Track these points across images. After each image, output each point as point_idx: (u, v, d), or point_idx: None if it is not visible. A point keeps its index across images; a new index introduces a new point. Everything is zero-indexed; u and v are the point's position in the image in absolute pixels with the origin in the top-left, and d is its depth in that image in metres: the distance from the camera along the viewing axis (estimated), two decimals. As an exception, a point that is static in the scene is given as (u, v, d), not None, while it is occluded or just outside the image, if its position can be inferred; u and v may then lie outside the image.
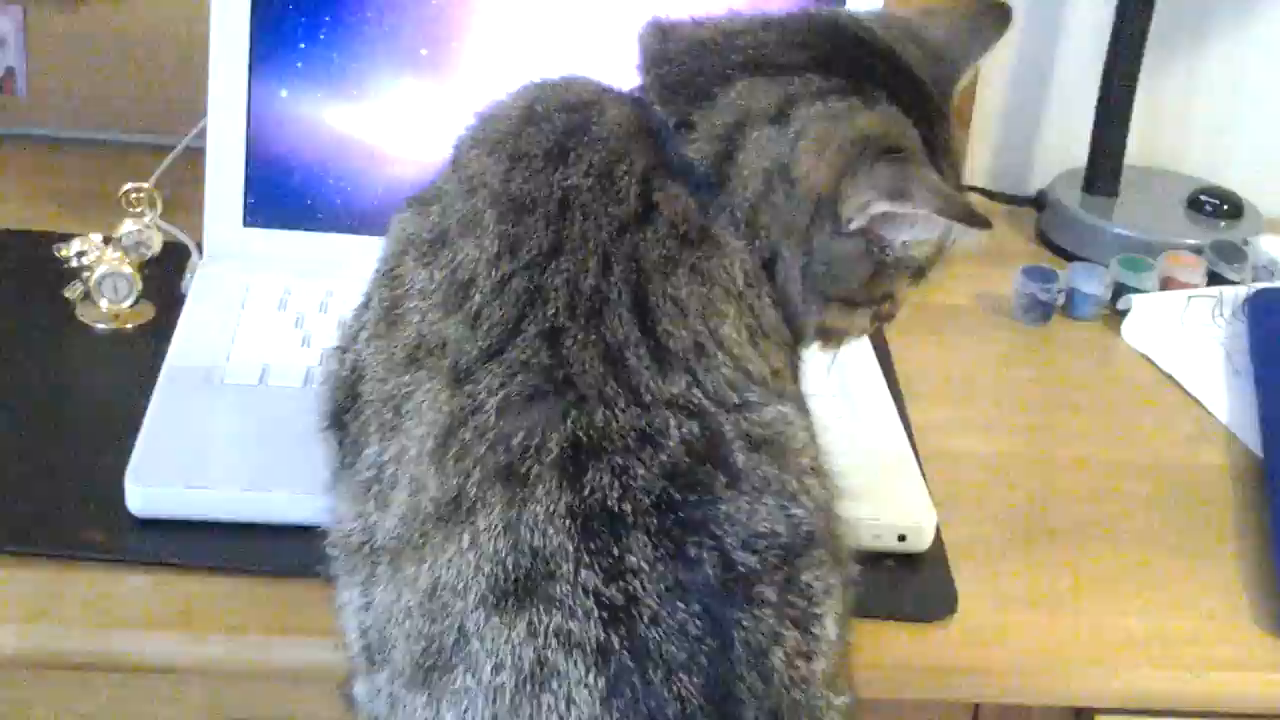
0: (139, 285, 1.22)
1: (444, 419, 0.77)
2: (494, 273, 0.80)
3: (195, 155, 1.27)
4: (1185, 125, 1.61)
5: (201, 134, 1.26)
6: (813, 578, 0.76)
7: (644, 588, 0.73)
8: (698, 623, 0.73)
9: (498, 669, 0.73)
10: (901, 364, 1.26)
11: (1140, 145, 1.56)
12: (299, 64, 1.24)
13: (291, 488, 1.02)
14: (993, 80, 1.57)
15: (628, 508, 0.74)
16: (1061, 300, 1.37)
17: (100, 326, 1.22)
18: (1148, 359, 1.33)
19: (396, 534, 0.78)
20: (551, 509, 0.74)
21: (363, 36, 1.24)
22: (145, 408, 1.08)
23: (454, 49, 1.25)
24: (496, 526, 0.74)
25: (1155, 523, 1.14)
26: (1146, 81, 1.50)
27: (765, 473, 0.77)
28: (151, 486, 1.01)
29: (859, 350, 1.22)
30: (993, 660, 1.01)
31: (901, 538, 1.04)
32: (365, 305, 0.88)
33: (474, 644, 0.73)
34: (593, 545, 0.73)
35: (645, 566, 0.73)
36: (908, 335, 1.30)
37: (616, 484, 0.74)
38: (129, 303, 1.22)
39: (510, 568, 0.73)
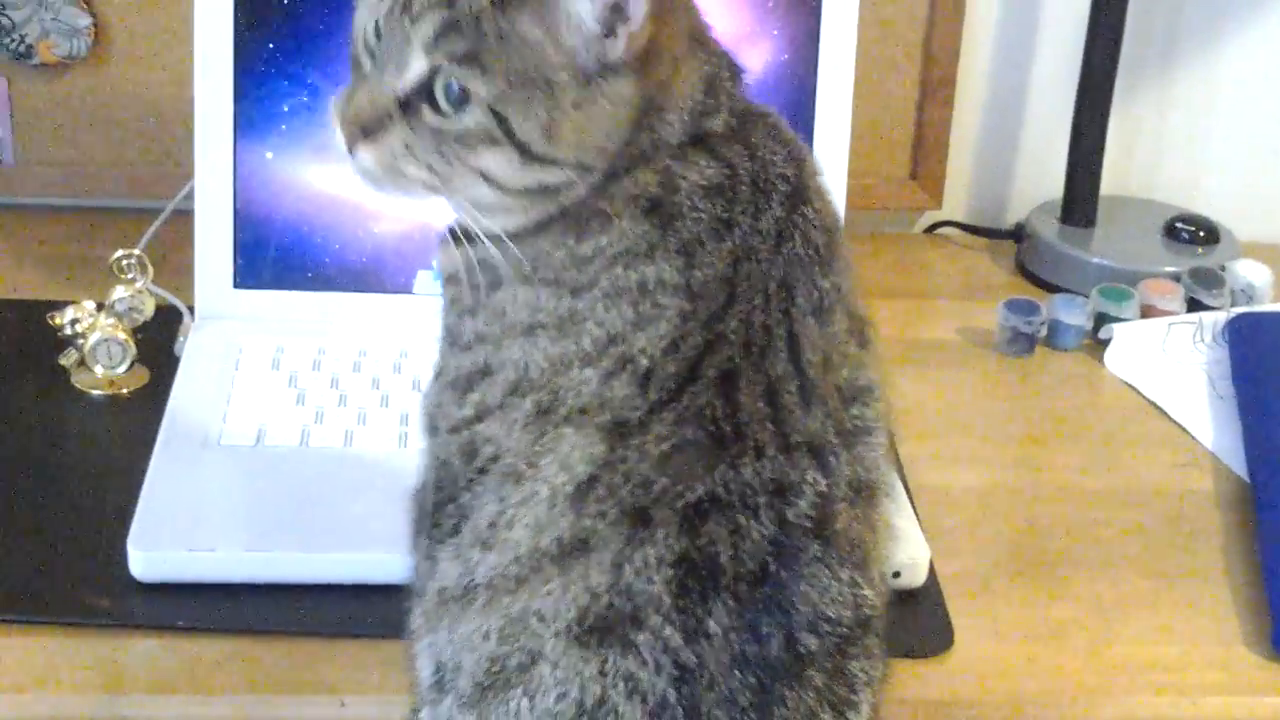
0: (133, 350, 1.24)
1: (593, 468, 0.79)
2: (662, 341, 0.81)
3: (184, 218, 1.29)
4: (1159, 153, 1.64)
5: (189, 197, 1.27)
6: (860, 668, 0.80)
7: (714, 654, 0.76)
8: (748, 694, 0.77)
9: (561, 697, 0.76)
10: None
11: (1115, 175, 1.58)
12: (283, 126, 1.25)
13: (293, 547, 1.03)
14: (967, 115, 1.59)
15: (730, 569, 0.77)
16: (1044, 332, 1.39)
17: (96, 393, 1.23)
18: (1131, 387, 1.34)
19: (503, 570, 0.79)
20: (662, 556, 0.77)
21: (346, 97, 1.25)
22: (144, 472, 1.09)
23: (436, 106, 1.26)
24: (607, 563, 0.77)
25: (1145, 550, 1.15)
26: (1119, 111, 1.52)
27: (854, 536, 0.81)
28: (153, 550, 1.03)
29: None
30: (991, 693, 1.02)
31: (896, 574, 1.05)
32: (469, 386, 0.86)
33: (543, 669, 0.77)
34: (683, 603, 0.76)
35: (720, 634, 0.77)
36: (894, 371, 1.31)
37: (730, 541, 0.77)
38: (124, 368, 1.23)
39: (604, 604, 0.77)
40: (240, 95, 1.25)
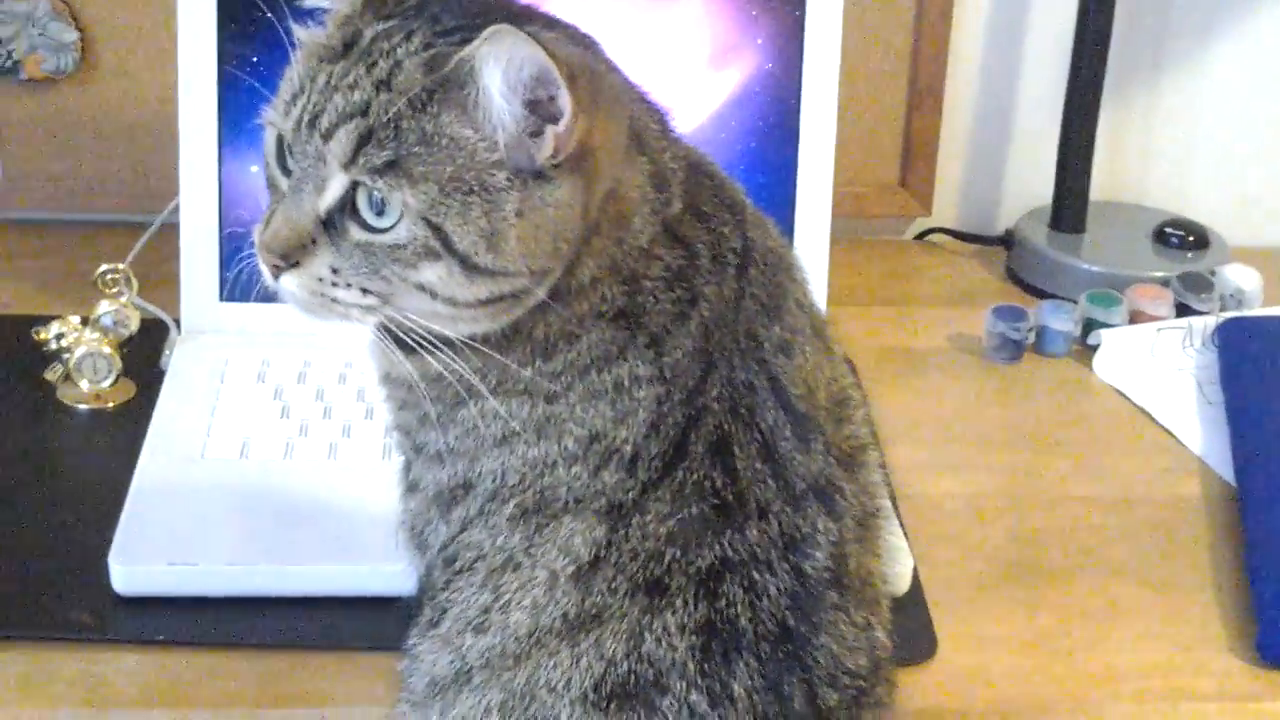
0: (119, 364, 1.24)
1: (595, 549, 0.78)
2: (642, 428, 0.79)
3: (170, 232, 1.29)
4: (1148, 159, 1.63)
5: (175, 212, 1.27)
6: (871, 718, 0.81)
7: (738, 717, 0.76)
8: None
9: None
10: (875, 407, 1.26)
11: (1104, 181, 1.58)
12: (268, 139, 1.25)
13: (275, 560, 1.03)
14: (956, 122, 1.59)
15: (750, 628, 0.77)
16: (1032, 338, 1.38)
17: (82, 406, 1.23)
18: (1120, 393, 1.34)
19: (500, 649, 0.78)
20: (684, 623, 0.76)
21: (330, 109, 1.25)
22: (128, 485, 1.09)
23: (421, 117, 1.26)
24: (624, 632, 0.76)
25: (1132, 556, 1.15)
26: (1107, 117, 1.52)
27: (864, 573, 0.82)
28: (135, 565, 1.03)
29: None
30: (974, 701, 1.02)
31: (880, 583, 1.05)
32: (453, 501, 0.84)
33: None
34: (708, 667, 0.76)
35: (745, 696, 0.77)
36: (881, 378, 1.32)
37: (748, 601, 0.77)
38: (109, 382, 1.23)
39: (623, 671, 0.76)
40: (224, 110, 1.25)
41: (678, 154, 0.85)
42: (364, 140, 0.75)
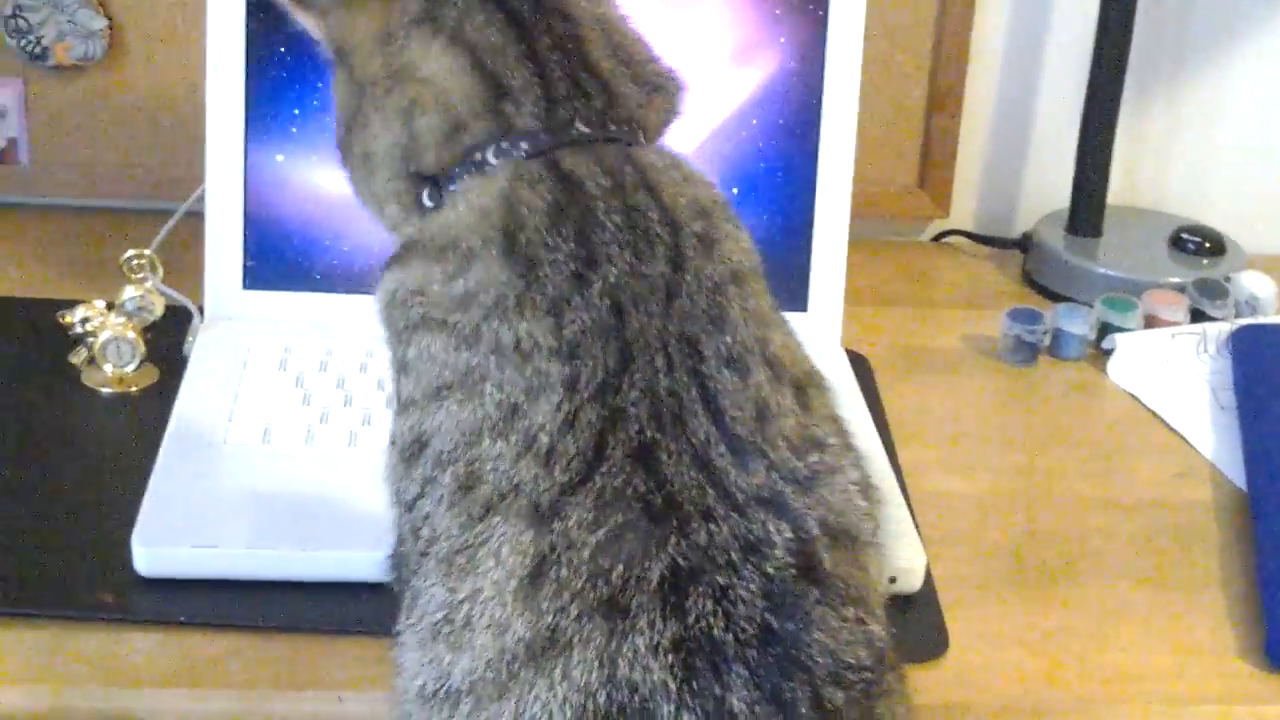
0: (142, 349, 1.25)
1: (530, 560, 0.74)
2: (557, 415, 0.76)
3: (195, 220, 1.30)
4: (1166, 164, 1.64)
5: (200, 199, 1.29)
6: (885, 708, 0.77)
7: None
8: None
9: None
10: (890, 406, 1.28)
11: (1122, 185, 1.59)
12: (294, 129, 1.27)
13: (295, 544, 1.04)
14: (975, 125, 1.60)
15: (729, 638, 0.72)
16: (1047, 341, 1.39)
17: (105, 390, 1.24)
18: (1134, 397, 1.35)
19: (480, 675, 0.75)
20: (656, 642, 0.72)
21: (356, 101, 1.27)
22: (151, 469, 1.10)
23: (445, 110, 1.27)
24: (592, 660, 0.72)
25: (1143, 559, 1.16)
26: (1126, 121, 1.52)
27: (845, 574, 0.77)
28: (158, 546, 1.04)
29: (848, 394, 1.24)
30: (985, 699, 1.02)
31: (892, 579, 1.05)
32: (412, 457, 0.82)
33: None
34: (695, 685, 0.72)
35: (745, 709, 0.72)
36: (896, 378, 1.33)
37: (720, 610, 0.73)
38: (132, 367, 1.25)
39: (603, 701, 0.72)
40: (251, 99, 1.26)
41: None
42: None
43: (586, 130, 0.84)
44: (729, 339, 0.79)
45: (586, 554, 0.74)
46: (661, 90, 0.88)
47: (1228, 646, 1.07)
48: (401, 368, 0.84)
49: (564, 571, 0.74)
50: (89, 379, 1.25)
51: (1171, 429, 1.31)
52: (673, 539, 0.74)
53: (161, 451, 1.12)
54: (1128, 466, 1.27)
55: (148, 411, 1.20)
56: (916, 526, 1.11)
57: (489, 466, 0.77)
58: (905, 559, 1.07)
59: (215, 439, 1.15)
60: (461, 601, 0.76)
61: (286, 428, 1.16)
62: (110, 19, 1.47)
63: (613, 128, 0.85)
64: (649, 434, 0.76)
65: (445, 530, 0.79)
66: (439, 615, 0.77)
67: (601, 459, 0.76)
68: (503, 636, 0.74)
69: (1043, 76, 1.60)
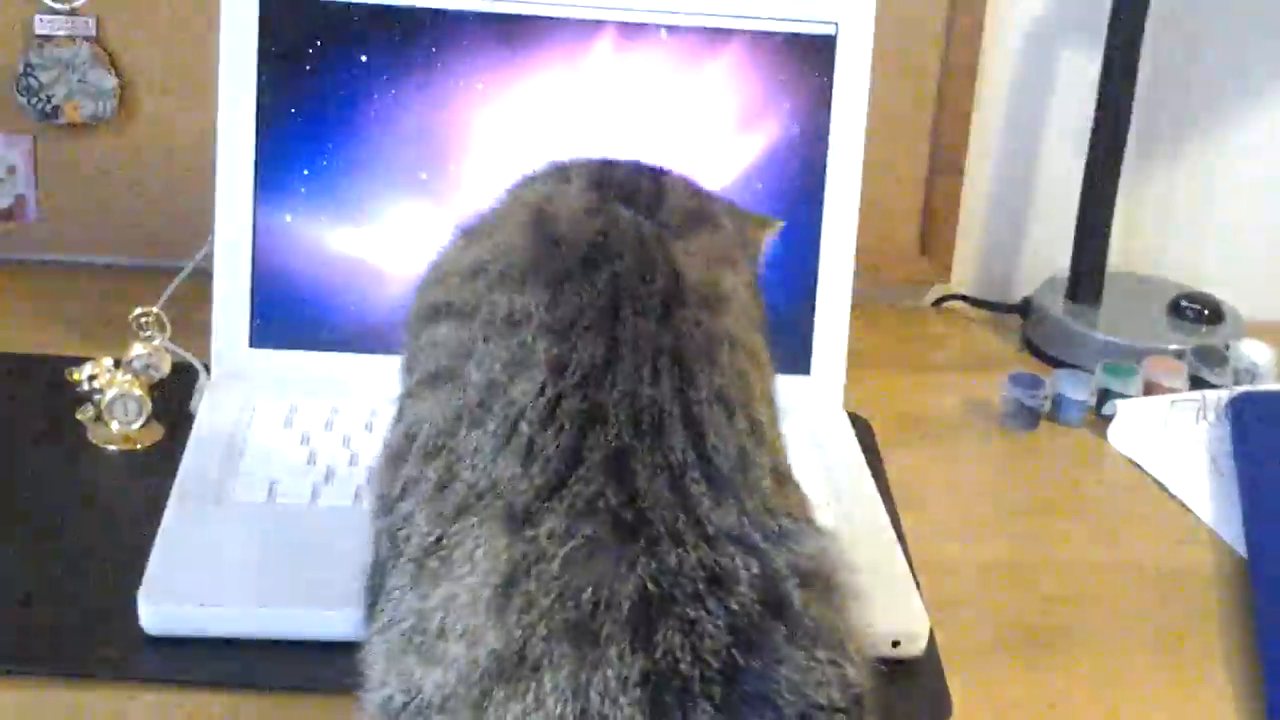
0: (149, 406, 1.26)
1: (503, 567, 0.73)
2: (540, 399, 0.75)
3: (202, 278, 1.31)
4: (1165, 231, 1.66)
5: (208, 257, 1.30)
6: None
7: None
8: None
9: None
10: (893, 471, 1.29)
11: (1122, 251, 1.61)
12: (303, 189, 1.28)
13: (302, 603, 1.04)
14: (976, 190, 1.62)
15: (695, 673, 0.70)
16: (1048, 407, 1.40)
17: (111, 448, 1.24)
18: (1134, 463, 1.36)
19: (452, 690, 0.72)
20: (625, 675, 0.69)
21: (364, 162, 1.28)
22: (157, 526, 1.10)
23: (452, 172, 1.29)
24: (564, 690, 0.69)
25: (1143, 624, 1.16)
26: (1126, 188, 1.54)
27: (817, 615, 0.74)
28: (164, 605, 1.04)
29: (850, 458, 1.25)
30: (987, 763, 1.03)
31: (895, 644, 1.06)
32: (399, 456, 0.82)
33: None
34: None
35: None
36: (898, 443, 1.34)
37: (687, 644, 0.70)
38: (139, 424, 1.25)
39: None
40: (261, 159, 1.27)
41: None
42: None
43: None
44: (719, 380, 0.79)
45: (555, 567, 0.72)
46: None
47: (1228, 715, 1.07)
48: (408, 366, 0.85)
49: (533, 585, 0.72)
50: (96, 436, 1.25)
51: (1171, 494, 1.32)
52: (641, 559, 0.72)
53: (167, 509, 1.12)
54: (1129, 532, 1.27)
55: (154, 469, 1.20)
56: (919, 591, 1.12)
57: (467, 462, 0.76)
58: (908, 624, 1.07)
59: (221, 497, 1.15)
60: (433, 608, 0.74)
61: (292, 486, 1.16)
62: (121, 79, 1.48)
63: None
64: (626, 439, 0.75)
65: (420, 526, 0.77)
66: (407, 622, 0.75)
67: (579, 461, 0.74)
68: (475, 649, 0.72)
69: (1043, 143, 1.62)
